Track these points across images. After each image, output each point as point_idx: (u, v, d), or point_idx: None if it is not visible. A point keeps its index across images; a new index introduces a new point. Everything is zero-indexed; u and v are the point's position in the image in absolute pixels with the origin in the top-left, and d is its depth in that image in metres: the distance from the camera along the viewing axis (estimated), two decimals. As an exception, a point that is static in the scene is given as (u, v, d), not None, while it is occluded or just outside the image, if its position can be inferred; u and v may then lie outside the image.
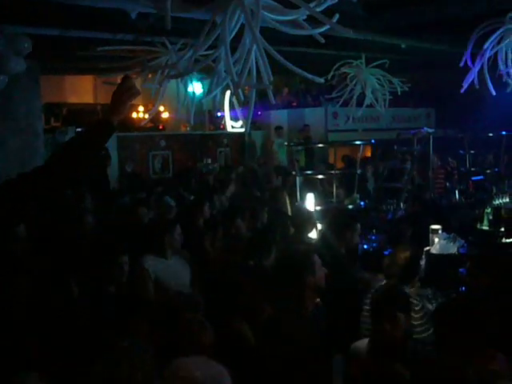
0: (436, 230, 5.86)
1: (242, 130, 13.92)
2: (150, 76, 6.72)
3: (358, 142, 9.72)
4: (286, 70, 4.06)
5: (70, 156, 2.29)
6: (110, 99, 2.47)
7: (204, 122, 14.61)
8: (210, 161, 12.85)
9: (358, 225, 5.08)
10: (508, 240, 7.13)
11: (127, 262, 4.24)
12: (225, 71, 4.31)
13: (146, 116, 14.24)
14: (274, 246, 4.87)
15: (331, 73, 9.84)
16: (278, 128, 13.78)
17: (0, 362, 2.72)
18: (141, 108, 15.03)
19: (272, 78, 3.94)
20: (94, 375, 2.31)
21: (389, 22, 9.16)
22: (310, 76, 4.07)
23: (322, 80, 4.19)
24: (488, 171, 11.27)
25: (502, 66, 6.78)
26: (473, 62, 6.86)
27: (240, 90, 4.57)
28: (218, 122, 14.87)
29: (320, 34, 3.97)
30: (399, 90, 10.03)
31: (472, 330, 2.68)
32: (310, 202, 6.95)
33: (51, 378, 2.56)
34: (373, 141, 10.66)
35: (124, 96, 2.43)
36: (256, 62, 4.14)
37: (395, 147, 10.62)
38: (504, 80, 6.99)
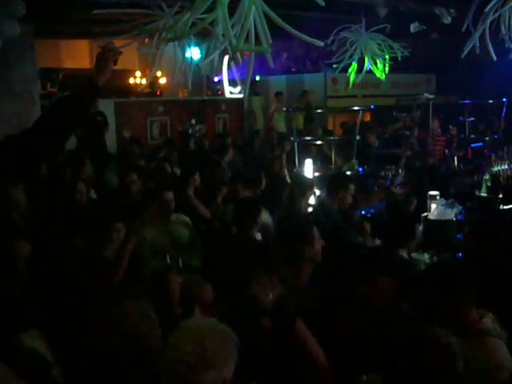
0: (434, 196, 5.87)
1: (241, 95, 13.80)
2: (146, 40, 6.61)
3: (356, 108, 9.65)
4: (284, 35, 3.99)
5: (55, 117, 2.32)
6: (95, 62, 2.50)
7: (202, 87, 14.48)
8: (194, 121, 12.68)
9: (352, 185, 5.12)
10: (506, 207, 7.16)
11: (122, 228, 4.23)
12: (222, 34, 4.24)
13: (144, 81, 14.11)
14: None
15: (330, 37, 9.70)
16: (278, 93, 13.68)
17: (2, 324, 2.75)
18: (138, 73, 14.87)
19: (271, 42, 3.87)
20: (103, 326, 2.33)
21: (390, -15, 9.00)
22: (309, 38, 4.00)
23: (321, 43, 4.11)
24: (487, 138, 11.24)
25: (504, 31, 6.67)
26: (474, 27, 6.75)
27: (238, 54, 4.50)
28: (217, 88, 14.73)
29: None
30: (399, 55, 9.91)
31: (459, 289, 2.73)
32: (309, 168, 6.94)
33: (52, 335, 2.59)
34: (372, 107, 10.59)
35: (107, 56, 2.47)
36: (255, 26, 4.07)
37: (394, 113, 10.56)
38: (506, 46, 6.89)
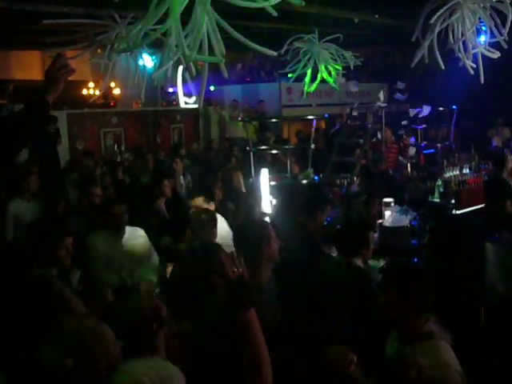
0: (388, 203, 5.96)
1: (196, 105, 13.77)
2: (99, 51, 6.53)
3: (310, 117, 9.75)
4: (239, 45, 4.00)
5: (4, 135, 2.25)
6: (44, 77, 2.42)
7: (157, 98, 14.39)
8: (122, 148, 12.26)
9: (328, 206, 5.14)
10: (458, 212, 7.32)
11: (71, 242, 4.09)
12: (176, 45, 4.22)
13: (97, 92, 13.92)
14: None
15: (284, 47, 9.79)
16: (234, 101, 13.79)
17: None
18: (91, 84, 14.66)
19: (224, 52, 3.88)
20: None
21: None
22: (262, 48, 4.02)
23: (274, 53, 4.14)
24: (439, 145, 11.50)
25: (452, 40, 6.85)
26: (424, 37, 6.92)
27: (193, 65, 4.48)
28: (171, 98, 14.66)
29: (273, 7, 3.91)
30: (352, 64, 10.07)
31: (413, 293, 2.76)
32: (264, 178, 6.95)
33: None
34: (326, 115, 10.71)
35: (58, 74, 2.38)
36: (208, 36, 4.06)
37: (348, 122, 10.70)
38: (456, 55, 7.08)
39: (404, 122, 11.57)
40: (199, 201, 5.67)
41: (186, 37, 4.11)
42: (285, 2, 3.73)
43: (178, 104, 14.44)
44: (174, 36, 4.18)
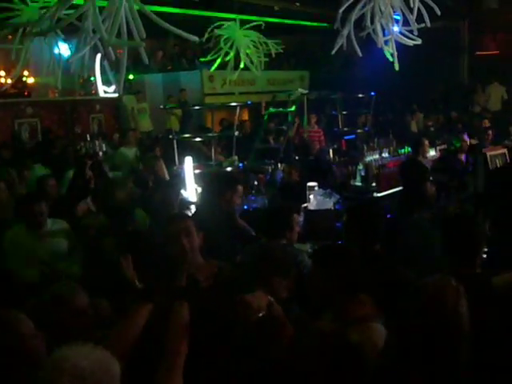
0: (312, 187, 6.05)
1: (116, 95, 13.40)
2: (10, 37, 6.23)
3: (234, 104, 9.74)
4: (159, 32, 3.92)
5: None
6: None
7: (74, 87, 13.87)
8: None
9: (240, 186, 5.10)
10: (379, 194, 7.56)
11: None
12: (93, 30, 4.08)
13: (9, 81, 13.26)
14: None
15: (206, 35, 9.71)
16: (137, 92, 13.54)
17: None
18: (2, 73, 13.95)
19: (144, 36, 3.79)
20: None
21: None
22: (184, 34, 3.96)
23: (196, 38, 4.10)
24: (359, 130, 11.80)
25: (369, 27, 7.00)
26: (343, 25, 7.04)
27: (112, 52, 4.35)
28: (90, 87, 14.18)
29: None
30: (274, 52, 10.12)
31: (345, 275, 2.78)
32: (189, 166, 6.88)
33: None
34: (249, 103, 10.73)
35: None
36: (127, 21, 3.95)
37: (271, 109, 10.78)
38: (379, 43, 7.23)
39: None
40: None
41: (103, 21, 3.98)
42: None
43: (96, 93, 13.99)
44: (91, 20, 4.04)
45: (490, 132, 9.14)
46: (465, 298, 2.17)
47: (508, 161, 7.30)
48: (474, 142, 9.09)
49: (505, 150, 7.62)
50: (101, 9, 3.98)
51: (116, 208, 5.12)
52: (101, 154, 8.88)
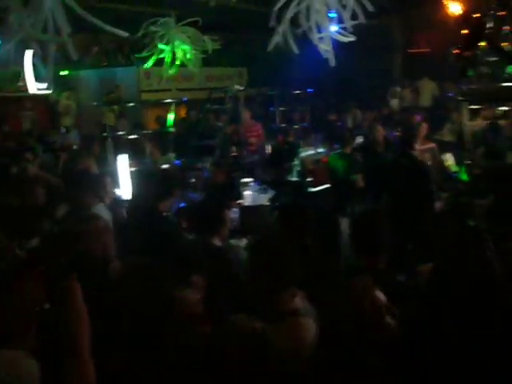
0: (247, 183, 6.08)
1: (49, 91, 13.01)
2: None
3: (169, 101, 9.67)
4: (93, 28, 3.86)
5: None
6: None
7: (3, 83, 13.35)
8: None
9: (177, 186, 5.10)
10: (314, 189, 7.69)
11: None
12: (19, 24, 3.98)
13: None
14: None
15: (141, 31, 9.60)
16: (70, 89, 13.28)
17: None
18: None
19: (70, 30, 3.72)
20: None
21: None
22: (114, 30, 3.93)
23: (125, 34, 4.08)
24: (296, 126, 11.93)
25: (305, 25, 7.11)
26: (279, 22, 7.13)
27: (39, 47, 4.26)
28: (19, 83, 13.66)
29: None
30: (211, 48, 10.12)
31: (278, 270, 2.80)
32: (124, 164, 6.79)
33: None
34: (185, 99, 10.67)
35: None
36: (54, 15, 3.87)
37: (208, 105, 10.76)
38: (315, 40, 7.34)
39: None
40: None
41: (29, 16, 3.89)
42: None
43: (27, 89, 13.50)
44: (15, 14, 3.94)
45: (424, 126, 9.39)
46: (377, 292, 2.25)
47: (436, 156, 7.53)
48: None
49: (434, 145, 7.87)
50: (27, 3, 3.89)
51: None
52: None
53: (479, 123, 9.13)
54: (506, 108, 9.34)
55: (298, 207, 4.05)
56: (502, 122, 9.19)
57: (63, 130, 10.24)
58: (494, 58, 6.78)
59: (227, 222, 4.11)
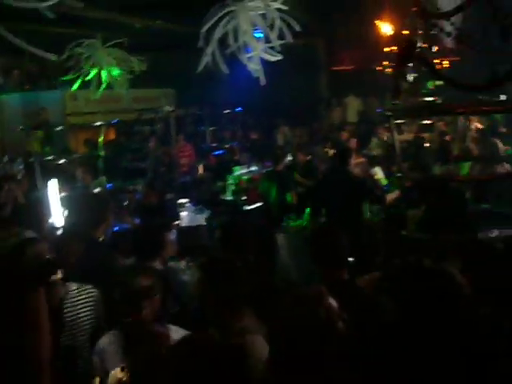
0: (183, 204, 6.04)
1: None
2: None
3: (98, 124, 9.50)
4: (16, 50, 3.74)
5: None
6: None
7: None
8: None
9: (111, 210, 4.97)
10: (249, 207, 7.73)
11: None
12: None
13: None
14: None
15: (66, 53, 9.40)
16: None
17: None
18: None
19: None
20: None
21: (122, 1, 9.06)
22: (40, 52, 3.82)
23: (52, 57, 3.97)
24: (227, 146, 11.99)
25: (233, 46, 7.18)
26: (208, 43, 7.18)
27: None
28: None
29: (51, 9, 3.73)
30: (138, 70, 10.03)
31: (227, 289, 2.82)
32: (54, 189, 6.58)
33: None
34: (114, 121, 10.51)
35: None
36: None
37: (138, 127, 10.65)
38: (244, 60, 7.42)
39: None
40: None
41: None
42: (63, 3, 3.58)
43: None
44: None
45: (352, 142, 9.63)
46: (330, 300, 2.29)
47: (367, 170, 7.74)
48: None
49: (363, 160, 8.10)
50: None
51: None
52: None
53: (405, 137, 9.49)
54: (430, 122, 9.79)
55: (239, 225, 4.07)
56: (425, 136, 9.62)
57: (6, 158, 9.82)
58: (415, 75, 7.08)
59: (168, 244, 4.05)
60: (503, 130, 9.92)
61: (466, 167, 7.49)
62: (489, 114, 8.78)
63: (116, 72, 9.93)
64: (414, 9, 4.46)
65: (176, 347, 2.18)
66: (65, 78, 10.81)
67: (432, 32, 4.62)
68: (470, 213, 5.66)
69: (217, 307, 2.80)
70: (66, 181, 7.67)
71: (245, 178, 8.36)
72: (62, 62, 9.62)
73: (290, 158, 8.90)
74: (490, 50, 4.21)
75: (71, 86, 11.68)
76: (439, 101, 8.19)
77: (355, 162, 7.50)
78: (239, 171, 8.54)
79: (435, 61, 6.00)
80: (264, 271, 3.92)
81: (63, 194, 6.84)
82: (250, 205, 7.74)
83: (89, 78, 9.98)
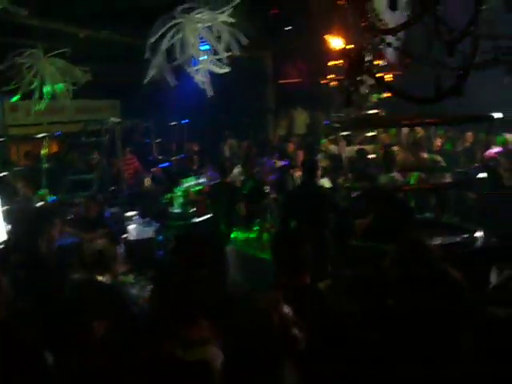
0: (130, 217, 5.94)
1: None
2: None
3: (40, 136, 9.26)
4: None
5: None
6: None
7: None
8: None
9: (57, 220, 4.86)
10: (198, 219, 7.68)
11: None
12: None
13: None
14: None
15: (6, 63, 9.14)
16: None
17: None
18: None
19: None
20: None
21: (66, 10, 8.89)
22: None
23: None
24: (174, 158, 11.89)
25: (179, 56, 7.18)
26: (154, 55, 7.15)
27: None
28: None
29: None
30: (82, 80, 9.83)
31: (183, 301, 2.80)
32: (-5, 203, 6.36)
33: None
34: (58, 133, 10.27)
35: None
36: None
37: (83, 139, 10.44)
38: (192, 72, 7.40)
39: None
40: None
41: None
42: (5, 11, 3.47)
43: None
44: None
45: (299, 154, 9.73)
46: (285, 307, 2.30)
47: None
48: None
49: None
50: None
51: None
52: None
53: (351, 149, 9.66)
54: (374, 133, 9.99)
55: (194, 238, 4.05)
56: (370, 147, 9.81)
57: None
58: (365, 89, 7.24)
59: (118, 258, 3.97)
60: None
61: (413, 177, 7.67)
62: (430, 125, 9.05)
63: (59, 86, 9.71)
64: (363, 24, 4.56)
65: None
66: (5, 89, 10.50)
67: (379, 46, 4.74)
68: (415, 221, 5.81)
69: (172, 320, 2.76)
70: (8, 194, 7.43)
71: (193, 189, 8.30)
72: (2, 71, 9.35)
73: (237, 169, 8.91)
74: (434, 65, 4.33)
75: (12, 97, 11.36)
76: (383, 113, 8.38)
77: (299, 174, 7.56)
78: (187, 183, 8.47)
79: (379, 74, 6.13)
80: (217, 283, 3.90)
81: (4, 208, 6.62)
82: (199, 217, 7.69)
83: (30, 88, 9.72)
